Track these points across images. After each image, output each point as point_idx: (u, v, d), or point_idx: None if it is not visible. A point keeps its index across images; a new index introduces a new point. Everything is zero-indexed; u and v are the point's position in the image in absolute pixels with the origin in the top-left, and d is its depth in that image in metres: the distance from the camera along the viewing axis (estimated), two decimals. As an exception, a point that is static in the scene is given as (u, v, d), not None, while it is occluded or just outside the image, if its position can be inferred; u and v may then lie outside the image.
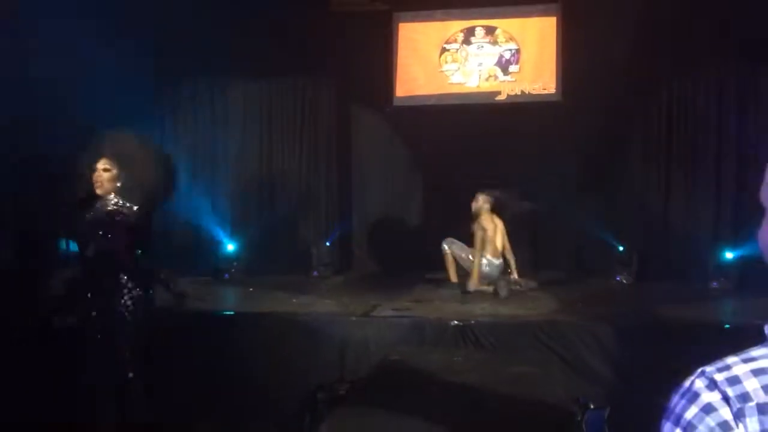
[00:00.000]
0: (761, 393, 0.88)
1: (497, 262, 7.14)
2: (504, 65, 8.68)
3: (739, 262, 7.42)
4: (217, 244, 8.74)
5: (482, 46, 8.74)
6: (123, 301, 4.10)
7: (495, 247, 7.14)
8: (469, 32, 8.78)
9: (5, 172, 6.90)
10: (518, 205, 7.49)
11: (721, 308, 6.50)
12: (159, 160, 4.45)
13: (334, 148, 9.21)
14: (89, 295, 4.21)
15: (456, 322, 5.68)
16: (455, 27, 8.85)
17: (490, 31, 8.73)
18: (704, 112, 8.11)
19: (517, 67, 8.65)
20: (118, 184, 4.16)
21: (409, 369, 4.49)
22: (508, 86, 8.65)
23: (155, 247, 4.81)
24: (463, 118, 8.47)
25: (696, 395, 0.92)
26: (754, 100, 7.85)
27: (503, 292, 6.96)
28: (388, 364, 4.71)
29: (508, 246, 7.28)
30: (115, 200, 4.16)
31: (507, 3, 8.80)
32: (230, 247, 8.67)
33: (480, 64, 8.74)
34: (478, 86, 8.77)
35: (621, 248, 8.08)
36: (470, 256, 7.09)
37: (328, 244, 8.73)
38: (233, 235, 8.77)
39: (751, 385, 0.89)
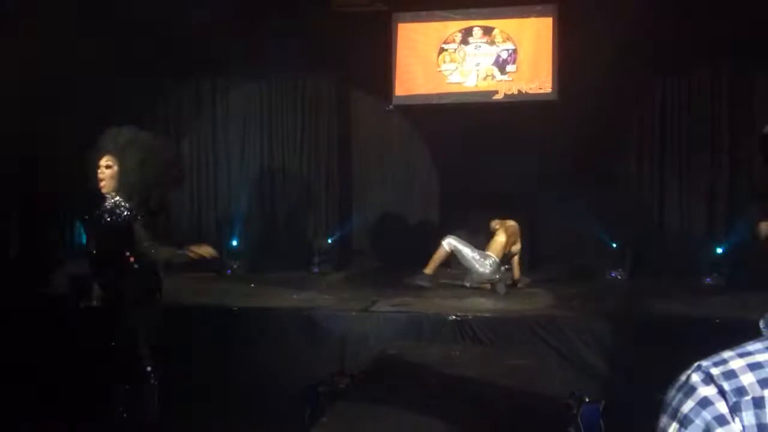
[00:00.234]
0: (757, 387, 0.89)
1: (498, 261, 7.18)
2: (501, 65, 8.74)
3: (732, 258, 7.49)
4: (219, 241, 8.80)
5: (480, 46, 8.81)
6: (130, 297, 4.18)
7: (499, 250, 7.15)
8: (467, 32, 8.84)
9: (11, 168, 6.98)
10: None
11: (714, 303, 6.55)
12: (160, 152, 4.48)
13: (334, 146, 9.27)
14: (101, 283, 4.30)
15: (454, 317, 5.75)
16: (453, 27, 8.90)
17: (487, 31, 8.80)
18: (698, 112, 8.20)
19: (514, 66, 8.72)
20: (120, 181, 4.20)
21: (408, 363, 4.51)
22: (505, 85, 8.72)
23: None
24: (461, 116, 8.53)
25: (692, 389, 0.93)
26: (747, 100, 7.92)
27: (501, 289, 7.05)
28: (387, 358, 4.72)
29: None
30: (117, 198, 4.21)
31: (504, 4, 8.86)
32: (234, 243, 8.73)
33: (478, 64, 8.81)
34: (475, 85, 8.83)
35: (614, 245, 8.15)
36: (476, 255, 7.07)
37: (330, 241, 8.79)
38: (235, 232, 8.83)
39: (747, 379, 0.90)
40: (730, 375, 0.91)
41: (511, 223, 7.27)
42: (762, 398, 0.88)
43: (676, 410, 0.93)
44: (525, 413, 3.56)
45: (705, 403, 0.90)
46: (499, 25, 8.80)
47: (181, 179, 5.19)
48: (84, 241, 4.36)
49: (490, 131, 8.31)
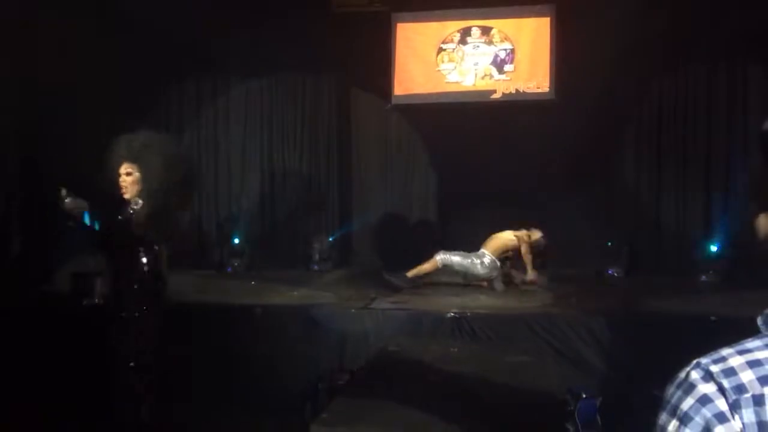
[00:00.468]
0: (756, 384, 0.89)
1: (498, 263, 7.19)
2: (499, 64, 8.79)
3: (728, 256, 7.54)
4: (220, 239, 8.85)
5: (478, 46, 8.85)
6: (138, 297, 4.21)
7: (498, 248, 7.17)
8: (466, 32, 8.88)
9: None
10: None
11: (710, 301, 6.60)
12: (178, 160, 4.50)
13: (334, 145, 9.32)
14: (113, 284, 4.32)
15: (453, 314, 5.78)
16: (452, 27, 8.95)
17: (485, 31, 8.84)
18: (695, 111, 8.24)
19: (512, 66, 8.76)
20: (140, 187, 4.22)
21: (407, 359, 4.50)
22: (503, 85, 8.76)
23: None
24: (460, 116, 8.59)
25: (692, 386, 0.92)
26: (743, 98, 7.97)
27: (498, 287, 7.10)
28: (387, 354, 4.73)
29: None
30: (140, 204, 4.23)
31: (502, 4, 8.90)
32: (236, 241, 8.77)
33: (476, 64, 8.85)
34: (474, 85, 8.88)
35: (609, 243, 8.19)
36: (469, 259, 7.08)
37: (331, 239, 8.83)
38: (236, 230, 8.88)
39: (747, 376, 0.90)
40: (730, 372, 0.91)
41: (535, 237, 7.18)
42: (762, 395, 0.88)
43: (676, 407, 0.93)
44: (523, 409, 3.56)
45: (705, 400, 0.90)
46: (497, 24, 8.84)
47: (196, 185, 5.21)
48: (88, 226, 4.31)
49: (488, 130, 8.37)
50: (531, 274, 6.86)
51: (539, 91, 8.63)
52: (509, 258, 7.27)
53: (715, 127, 8.12)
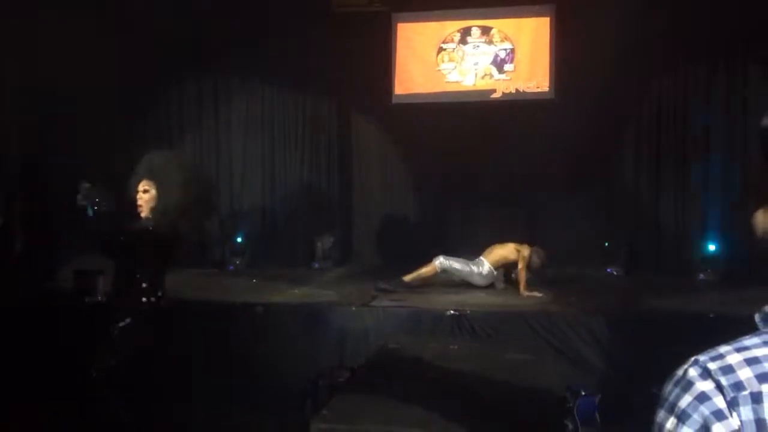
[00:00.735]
0: (755, 382, 0.88)
1: (495, 272, 7.20)
2: (499, 64, 8.82)
3: (726, 254, 7.56)
4: (222, 238, 8.88)
5: (478, 46, 8.88)
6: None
7: (497, 260, 7.16)
8: (466, 32, 8.91)
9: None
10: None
11: (709, 299, 6.62)
12: (196, 179, 4.53)
13: (334, 145, 9.34)
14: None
15: (452, 312, 5.82)
16: (452, 27, 8.98)
17: (485, 31, 8.87)
18: (693, 111, 8.27)
19: (512, 66, 8.79)
20: (159, 202, 4.23)
21: (407, 357, 4.52)
22: (503, 84, 8.79)
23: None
24: (460, 115, 8.61)
25: (690, 384, 0.92)
26: (742, 99, 7.99)
27: (499, 285, 7.14)
28: (387, 352, 4.75)
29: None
30: (152, 222, 4.25)
31: (502, 4, 8.93)
32: (237, 239, 8.81)
33: (476, 63, 8.88)
34: (474, 84, 8.91)
35: (607, 244, 8.23)
36: (468, 267, 7.09)
37: (331, 238, 8.86)
38: (237, 229, 8.91)
39: (745, 374, 0.89)
40: (728, 370, 0.90)
41: (527, 252, 7.07)
42: (760, 393, 0.87)
43: (674, 405, 0.92)
44: (522, 406, 3.58)
45: (703, 398, 0.90)
46: (497, 24, 8.87)
47: (214, 207, 5.21)
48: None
49: (488, 130, 8.39)
50: (523, 292, 6.77)
51: (539, 90, 8.66)
52: (506, 268, 7.29)
53: (714, 126, 8.13)
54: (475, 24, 8.90)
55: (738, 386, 0.88)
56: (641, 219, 8.42)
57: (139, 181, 4.27)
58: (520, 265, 6.92)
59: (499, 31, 8.84)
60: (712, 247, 7.68)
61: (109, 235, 4.28)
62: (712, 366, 0.91)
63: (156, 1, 7.69)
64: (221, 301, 6.40)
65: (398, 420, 3.32)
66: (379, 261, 8.90)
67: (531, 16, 8.82)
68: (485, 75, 8.85)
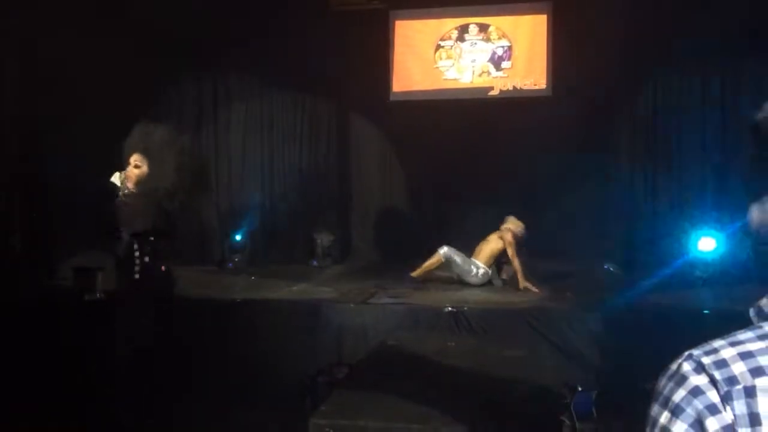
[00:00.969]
0: (748, 376, 0.88)
1: (489, 272, 7.21)
2: (497, 61, 8.85)
3: (721, 251, 7.59)
4: (221, 236, 8.91)
5: (476, 43, 8.91)
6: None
7: (489, 257, 7.18)
8: (463, 29, 8.95)
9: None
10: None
11: (704, 295, 6.66)
12: (193, 162, 4.45)
13: (333, 142, 9.37)
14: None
15: (450, 308, 5.85)
16: (450, 24, 9.01)
17: (483, 28, 8.90)
18: (689, 109, 8.29)
19: (509, 63, 8.83)
20: (149, 183, 4.15)
21: (405, 353, 4.56)
22: (500, 82, 8.83)
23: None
24: (457, 112, 8.63)
25: (684, 378, 0.91)
26: (736, 98, 8.02)
27: (497, 282, 7.17)
28: (385, 348, 4.80)
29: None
30: (133, 197, 4.19)
31: (500, 1, 8.96)
32: (236, 237, 8.82)
33: (473, 61, 8.91)
34: (471, 82, 8.94)
35: (603, 240, 8.25)
36: (468, 266, 7.10)
37: (329, 236, 8.89)
38: (237, 226, 8.93)
39: (738, 368, 0.89)
40: (722, 364, 0.90)
41: (509, 235, 7.09)
42: (753, 387, 0.87)
43: (668, 399, 0.92)
44: (519, 402, 3.64)
45: (696, 392, 0.90)
46: (495, 22, 8.90)
47: (208, 187, 5.12)
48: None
49: (485, 127, 8.41)
50: (522, 283, 6.79)
51: (536, 88, 8.70)
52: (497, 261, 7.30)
53: (710, 124, 8.16)
54: (473, 21, 8.93)
55: (732, 380, 0.88)
56: (638, 215, 8.45)
57: (131, 153, 4.18)
58: (510, 252, 6.94)
59: (497, 28, 8.87)
60: (706, 246, 7.70)
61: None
62: (706, 360, 0.91)
63: (155, 0, 7.70)
64: (220, 299, 6.41)
65: (396, 416, 3.35)
66: (377, 258, 8.93)
67: (528, 14, 8.85)
68: (483, 72, 8.88)
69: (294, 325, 5.93)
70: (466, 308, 5.88)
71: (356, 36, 8.75)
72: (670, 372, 0.94)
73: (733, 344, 0.92)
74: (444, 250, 7.13)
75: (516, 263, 6.88)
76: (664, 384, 0.94)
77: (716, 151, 8.11)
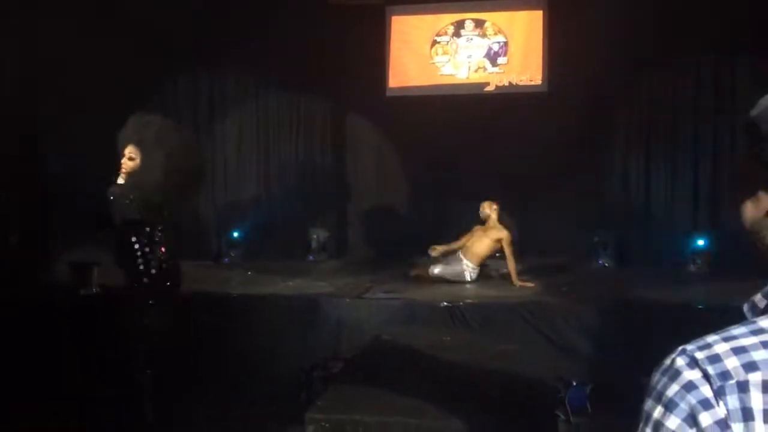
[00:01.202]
0: (741, 371, 0.88)
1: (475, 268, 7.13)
2: (492, 57, 8.86)
3: (715, 247, 7.63)
4: (217, 231, 8.91)
5: (472, 39, 8.92)
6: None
7: (481, 258, 7.10)
8: (459, 25, 8.96)
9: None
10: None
11: (698, 290, 6.69)
12: (187, 152, 4.40)
13: (329, 138, 9.37)
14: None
15: (445, 303, 5.87)
16: (446, 20, 9.02)
17: (479, 24, 8.92)
18: (684, 104, 8.32)
19: (505, 59, 8.84)
20: (141, 177, 4.11)
21: (401, 348, 4.57)
22: (496, 77, 8.84)
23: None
24: (453, 108, 8.63)
25: (677, 373, 0.92)
26: (731, 93, 8.03)
27: (493, 274, 7.19)
28: (381, 343, 4.80)
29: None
30: (124, 190, 4.14)
31: (495, -4, 8.97)
32: (232, 232, 8.85)
33: (469, 56, 8.92)
34: (467, 77, 8.95)
35: (598, 234, 8.27)
36: (458, 269, 7.05)
37: (327, 232, 8.90)
38: (233, 221, 8.95)
39: (732, 363, 0.89)
40: (715, 359, 0.90)
41: (506, 234, 6.92)
42: (746, 382, 0.87)
43: (661, 394, 0.92)
44: (514, 396, 3.62)
45: (690, 387, 0.90)
46: (491, 17, 8.91)
47: (202, 181, 5.08)
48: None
49: (481, 122, 8.42)
50: (516, 282, 6.75)
51: (532, 83, 8.71)
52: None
53: (704, 120, 8.19)
54: (469, 17, 8.95)
55: (725, 375, 0.88)
56: (632, 210, 8.48)
57: (125, 145, 4.16)
58: (508, 251, 6.86)
59: (493, 24, 8.88)
60: (701, 242, 7.74)
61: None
62: (700, 355, 0.91)
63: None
64: (217, 293, 6.41)
65: (392, 410, 3.35)
66: (373, 253, 8.94)
67: (524, 9, 8.87)
68: (479, 68, 8.89)
69: (289, 319, 5.94)
70: (461, 303, 5.89)
71: (352, 31, 8.75)
72: (663, 367, 0.95)
73: (726, 339, 0.92)
74: (436, 272, 7.01)
75: (511, 266, 6.85)
76: (657, 379, 0.94)
77: (711, 148, 8.13)
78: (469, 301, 6.03)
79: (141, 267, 4.14)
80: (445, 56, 8.99)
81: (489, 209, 7.05)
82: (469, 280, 7.02)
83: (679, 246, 7.86)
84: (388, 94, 9.06)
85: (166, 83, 9.16)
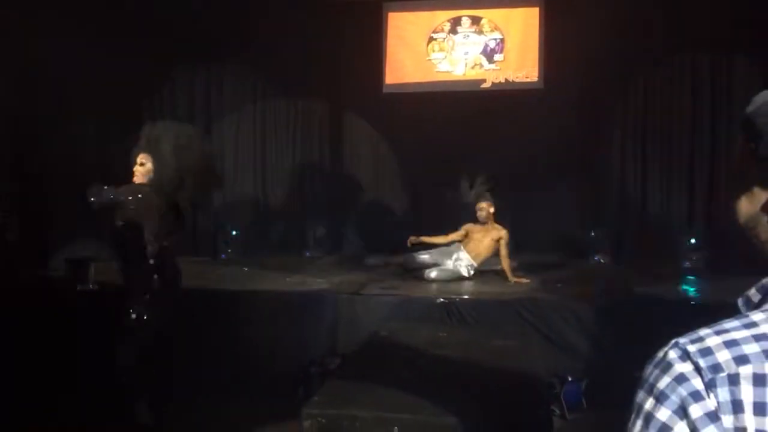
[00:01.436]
0: (732, 364, 0.89)
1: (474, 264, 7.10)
2: (489, 54, 8.88)
3: (710, 242, 7.65)
4: (215, 228, 8.92)
5: (468, 36, 8.93)
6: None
7: (482, 256, 7.05)
8: (456, 22, 8.97)
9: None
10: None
11: (693, 286, 6.72)
12: (192, 149, 4.51)
13: (325, 134, 9.38)
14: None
15: (441, 299, 5.88)
16: (442, 17, 9.03)
17: (475, 20, 8.93)
18: (679, 101, 8.33)
19: (502, 56, 8.86)
20: (150, 177, 4.28)
21: (397, 344, 4.55)
22: (492, 74, 8.86)
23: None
24: (450, 105, 8.65)
25: (669, 365, 0.93)
26: (726, 92, 8.06)
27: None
28: (377, 339, 4.78)
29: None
30: (143, 189, 4.28)
31: (492, -7, 8.97)
32: (230, 229, 8.85)
33: (466, 53, 8.94)
34: (464, 74, 8.97)
35: (594, 231, 8.30)
36: (453, 269, 7.00)
37: (324, 229, 8.91)
38: (229, 218, 8.95)
39: (723, 356, 0.90)
40: (706, 352, 0.91)
41: (505, 233, 6.90)
42: (737, 375, 0.88)
43: (653, 386, 0.93)
44: (510, 392, 3.62)
45: (681, 379, 0.91)
46: (487, 14, 8.92)
47: (219, 181, 5.18)
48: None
49: (477, 119, 8.43)
50: (512, 279, 6.73)
51: (528, 80, 8.73)
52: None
53: (700, 117, 8.21)
54: (465, 14, 8.96)
55: (716, 368, 0.89)
56: (628, 207, 8.50)
57: (137, 154, 4.33)
58: (504, 251, 6.85)
59: (489, 21, 8.90)
60: (696, 239, 7.76)
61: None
62: (692, 348, 0.92)
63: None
64: (213, 290, 6.42)
65: (388, 406, 3.34)
66: (370, 249, 8.94)
67: (520, 6, 8.89)
68: (475, 65, 8.91)
69: (286, 316, 5.95)
70: (457, 299, 5.91)
71: (349, 28, 8.77)
72: (656, 359, 0.96)
73: (718, 333, 0.93)
74: (432, 276, 6.92)
75: (506, 264, 6.84)
76: (649, 371, 0.95)
77: (707, 144, 8.15)
78: (465, 297, 6.05)
79: (139, 263, 4.17)
80: (441, 53, 9.00)
81: (489, 209, 7.04)
82: (467, 275, 7.02)
83: (675, 242, 7.89)
84: (384, 90, 9.07)
85: (163, 85, 9.15)
